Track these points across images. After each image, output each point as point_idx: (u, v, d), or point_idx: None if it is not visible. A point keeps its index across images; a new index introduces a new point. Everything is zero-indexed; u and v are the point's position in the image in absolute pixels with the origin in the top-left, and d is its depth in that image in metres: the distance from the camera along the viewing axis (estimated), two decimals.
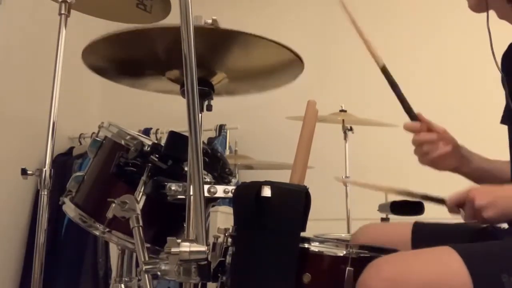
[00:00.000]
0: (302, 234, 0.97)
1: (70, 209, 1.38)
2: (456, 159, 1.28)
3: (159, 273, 0.96)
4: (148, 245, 1.22)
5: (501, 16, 1.24)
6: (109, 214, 1.22)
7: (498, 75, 1.25)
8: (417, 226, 1.25)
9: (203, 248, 0.89)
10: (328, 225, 2.09)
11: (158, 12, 1.70)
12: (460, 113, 2.92)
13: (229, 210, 1.85)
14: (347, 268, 0.94)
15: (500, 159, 1.32)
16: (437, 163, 1.27)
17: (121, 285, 1.47)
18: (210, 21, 1.25)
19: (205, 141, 3.30)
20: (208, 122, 3.25)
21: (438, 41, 3.14)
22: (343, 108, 2.63)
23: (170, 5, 1.66)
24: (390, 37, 3.15)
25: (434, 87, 3.07)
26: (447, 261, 0.89)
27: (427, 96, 3.06)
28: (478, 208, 1.02)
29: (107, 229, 1.29)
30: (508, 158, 1.25)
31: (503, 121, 1.34)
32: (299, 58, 1.32)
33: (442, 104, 2.96)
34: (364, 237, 1.26)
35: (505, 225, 1.16)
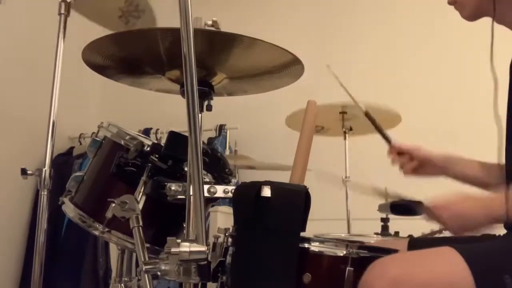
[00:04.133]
0: (302, 234, 0.97)
1: (69, 209, 1.38)
2: (434, 169, 1.44)
3: (159, 273, 0.96)
4: (148, 245, 1.22)
5: (499, 20, 1.21)
6: (109, 214, 1.22)
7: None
8: (412, 242, 1.26)
9: (203, 248, 0.89)
10: (328, 225, 2.08)
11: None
12: (455, 114, 2.93)
13: (229, 210, 1.85)
14: (347, 268, 0.94)
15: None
16: (415, 173, 1.46)
17: (121, 285, 1.46)
18: (210, 22, 1.25)
19: (205, 141, 3.30)
20: (208, 122, 3.25)
21: (437, 41, 3.14)
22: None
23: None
24: (388, 37, 3.16)
25: (431, 87, 3.07)
26: (451, 262, 0.90)
27: (424, 95, 3.07)
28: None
29: (107, 229, 1.29)
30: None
31: None
32: (299, 60, 1.32)
33: (438, 104, 2.96)
34: None
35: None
